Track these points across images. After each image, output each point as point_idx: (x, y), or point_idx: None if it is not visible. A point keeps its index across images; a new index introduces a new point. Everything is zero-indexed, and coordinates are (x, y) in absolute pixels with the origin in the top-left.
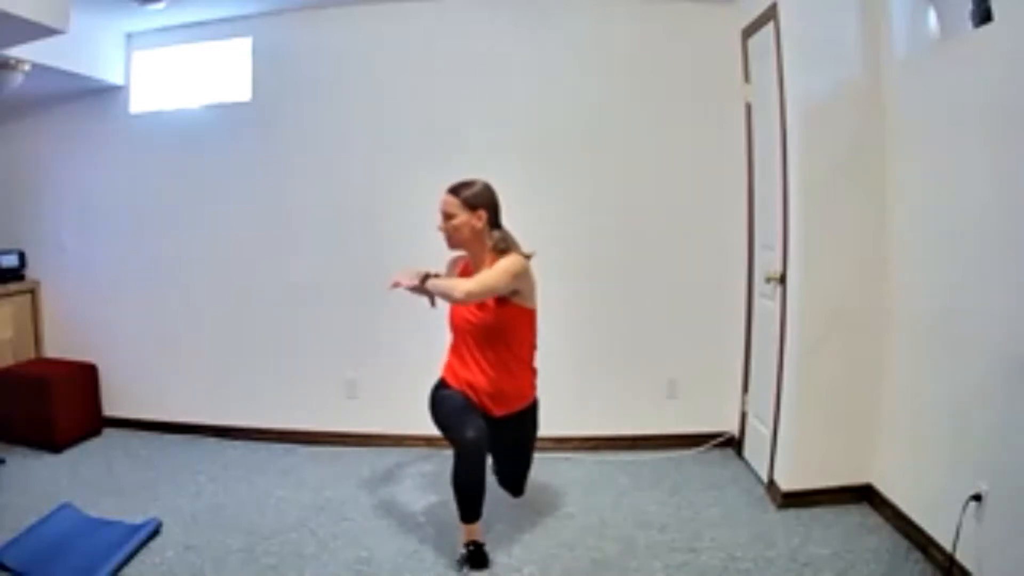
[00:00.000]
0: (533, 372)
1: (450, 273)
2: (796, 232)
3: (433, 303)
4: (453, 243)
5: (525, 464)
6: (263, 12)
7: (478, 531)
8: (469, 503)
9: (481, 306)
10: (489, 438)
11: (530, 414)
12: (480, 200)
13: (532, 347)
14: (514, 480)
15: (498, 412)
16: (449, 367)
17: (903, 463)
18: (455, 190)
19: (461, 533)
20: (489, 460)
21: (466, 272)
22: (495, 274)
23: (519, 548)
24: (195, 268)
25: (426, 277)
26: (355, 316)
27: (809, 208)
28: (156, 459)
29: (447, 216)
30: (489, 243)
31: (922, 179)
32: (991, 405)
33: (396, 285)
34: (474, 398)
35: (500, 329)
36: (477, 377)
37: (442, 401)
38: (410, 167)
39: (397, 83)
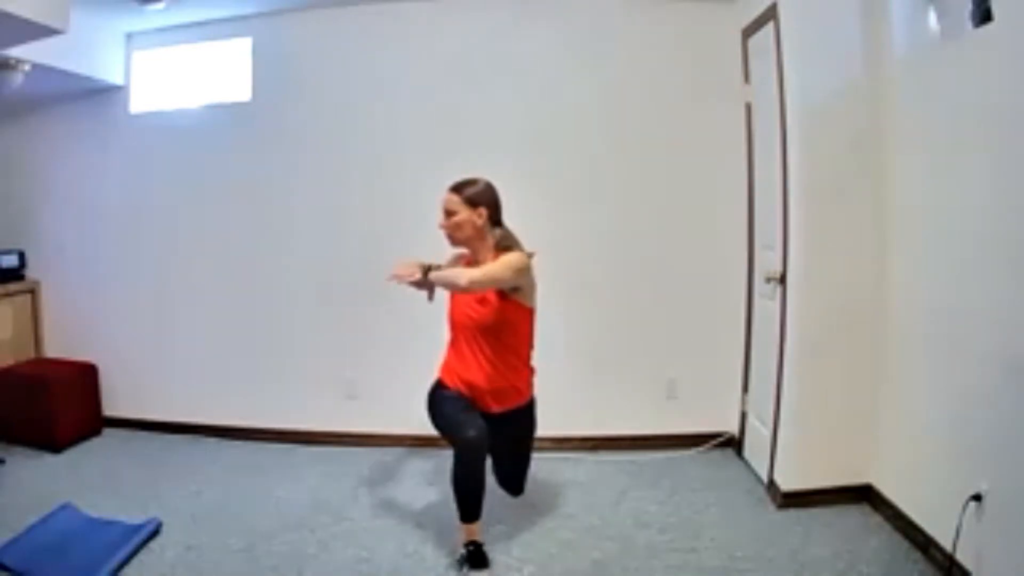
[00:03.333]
0: (531, 371)
1: (451, 267)
2: (796, 232)
3: (432, 297)
4: (455, 240)
5: (524, 463)
6: (263, 12)
7: (477, 531)
8: (469, 503)
9: (483, 302)
10: (488, 437)
11: (527, 412)
12: (481, 198)
13: (530, 346)
14: (513, 480)
15: (496, 409)
16: (447, 366)
17: (903, 463)
18: (457, 188)
19: (461, 533)
20: (489, 461)
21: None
22: (498, 266)
23: (519, 548)
24: (195, 268)
25: (428, 269)
26: (355, 316)
27: (809, 208)
28: (156, 459)
29: (449, 213)
30: (491, 241)
31: (922, 179)
32: (991, 405)
33: (397, 279)
34: (473, 396)
35: (500, 325)
36: (476, 374)
37: (441, 402)
38: (410, 167)
39: (397, 83)
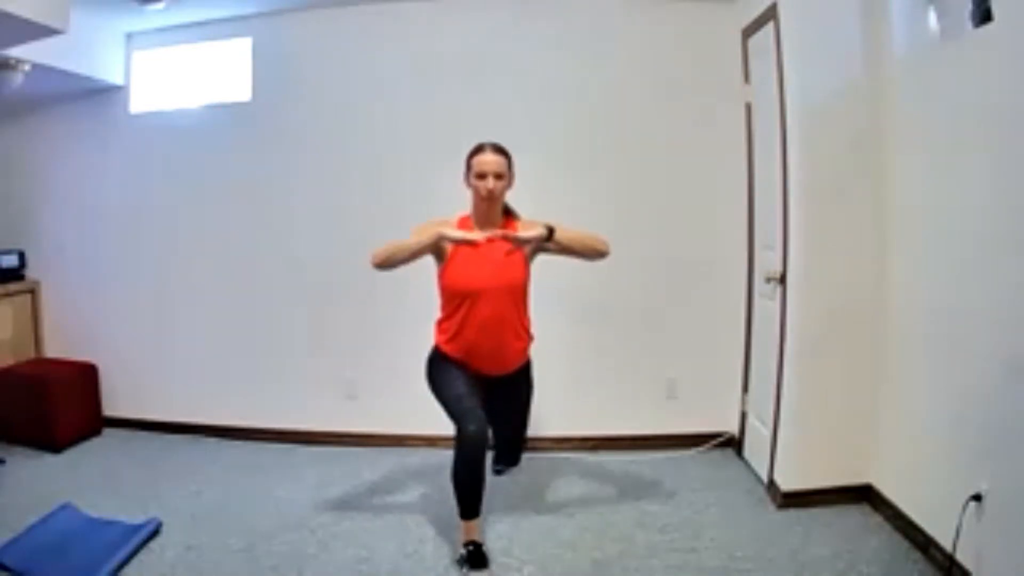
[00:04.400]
0: (531, 336)
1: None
2: (796, 232)
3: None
4: (494, 205)
5: (522, 427)
6: (263, 12)
7: (477, 530)
8: (468, 498)
9: (516, 264)
10: (487, 403)
11: (525, 374)
12: (512, 162)
13: (528, 310)
14: (512, 445)
15: (497, 372)
16: (446, 333)
17: (903, 463)
18: (502, 150)
19: (460, 532)
20: (489, 458)
21: (466, 228)
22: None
23: (519, 548)
24: (195, 268)
25: (551, 229)
26: (355, 316)
27: (809, 208)
28: (156, 459)
29: (499, 176)
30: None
31: (922, 179)
32: (991, 405)
33: (513, 239)
34: (474, 363)
35: (519, 290)
36: (484, 339)
37: (444, 383)
38: (410, 167)
39: (397, 83)
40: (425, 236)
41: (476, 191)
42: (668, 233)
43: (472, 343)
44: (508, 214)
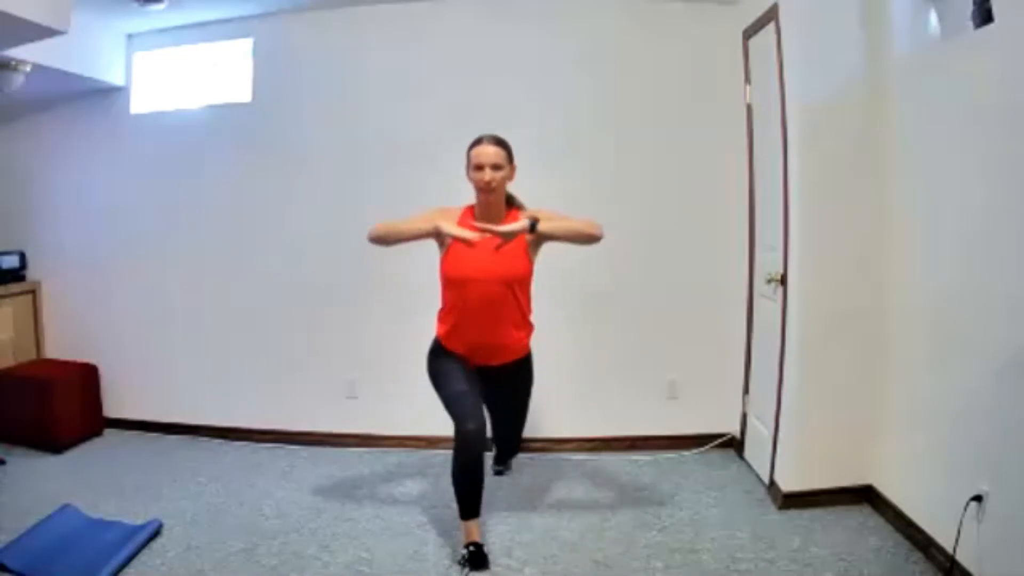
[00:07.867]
0: (532, 326)
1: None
2: (797, 232)
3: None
4: (492, 197)
5: (522, 416)
6: (264, 13)
7: (478, 531)
8: (468, 497)
9: (516, 256)
10: (486, 392)
11: (525, 363)
12: (512, 154)
13: (531, 301)
14: (512, 433)
15: (497, 363)
16: (445, 322)
17: (904, 464)
18: (501, 142)
19: (461, 534)
20: (489, 458)
21: (469, 219)
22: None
23: (520, 549)
24: (196, 269)
25: (535, 222)
26: (355, 317)
27: (810, 208)
28: (157, 460)
29: (497, 167)
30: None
31: (923, 179)
32: (992, 405)
33: (499, 233)
34: (475, 355)
35: (519, 283)
36: (484, 331)
37: (444, 378)
38: (410, 167)
39: (397, 84)
40: (424, 225)
41: (475, 183)
42: (669, 233)
43: (469, 333)
44: (512, 205)
